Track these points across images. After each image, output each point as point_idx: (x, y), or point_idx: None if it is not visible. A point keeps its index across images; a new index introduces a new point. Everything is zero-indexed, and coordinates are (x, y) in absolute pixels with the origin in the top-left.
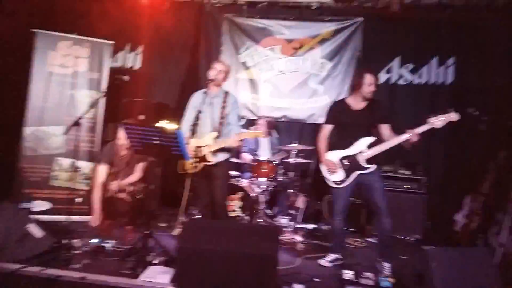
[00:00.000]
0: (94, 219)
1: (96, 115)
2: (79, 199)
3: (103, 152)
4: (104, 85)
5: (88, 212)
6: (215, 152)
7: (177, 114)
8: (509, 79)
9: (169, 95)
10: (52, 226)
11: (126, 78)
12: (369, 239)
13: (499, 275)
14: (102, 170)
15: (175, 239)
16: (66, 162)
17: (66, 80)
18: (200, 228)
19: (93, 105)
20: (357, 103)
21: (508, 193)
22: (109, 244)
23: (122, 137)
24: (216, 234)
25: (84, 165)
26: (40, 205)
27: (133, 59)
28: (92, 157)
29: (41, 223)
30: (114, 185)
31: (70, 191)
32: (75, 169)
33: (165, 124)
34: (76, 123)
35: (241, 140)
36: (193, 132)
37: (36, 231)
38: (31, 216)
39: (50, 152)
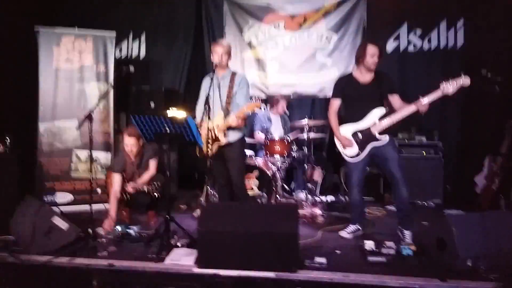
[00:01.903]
0: (108, 225)
1: (108, 106)
2: (99, 190)
3: (115, 160)
4: (111, 76)
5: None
6: (224, 132)
7: (187, 99)
8: None
9: (177, 80)
10: (76, 216)
11: (131, 69)
12: (389, 207)
13: None
14: (116, 178)
15: (196, 220)
16: (83, 153)
17: (74, 75)
18: (219, 210)
19: (103, 97)
20: (363, 76)
21: None
22: (132, 230)
23: (128, 143)
24: (234, 216)
25: (101, 156)
26: (62, 197)
27: (137, 47)
28: (108, 147)
29: (65, 215)
30: (129, 186)
31: (90, 181)
32: (92, 159)
33: (175, 112)
34: (88, 117)
35: (242, 117)
36: (205, 115)
37: (61, 223)
38: (55, 209)
39: (67, 146)
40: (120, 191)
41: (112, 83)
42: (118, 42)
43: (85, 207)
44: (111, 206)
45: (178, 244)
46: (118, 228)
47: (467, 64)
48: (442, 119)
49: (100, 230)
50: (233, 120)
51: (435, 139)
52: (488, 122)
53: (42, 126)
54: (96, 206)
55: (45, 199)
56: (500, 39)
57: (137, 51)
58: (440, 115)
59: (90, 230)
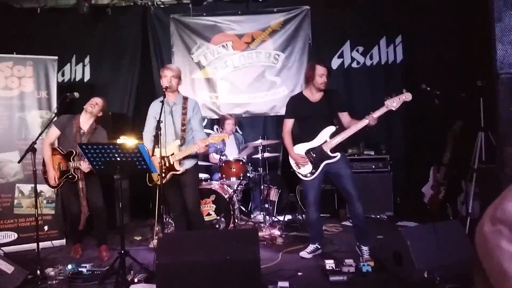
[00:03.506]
0: (50, 178)
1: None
2: (46, 227)
3: (58, 119)
4: (54, 103)
5: (57, 237)
6: (181, 160)
7: (135, 123)
8: (454, 51)
9: (125, 104)
10: (22, 256)
11: (76, 95)
12: (345, 223)
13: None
14: (52, 131)
15: (152, 252)
16: (26, 188)
17: (13, 102)
18: (176, 241)
19: (46, 126)
20: (313, 95)
21: (468, 161)
22: (85, 268)
23: (94, 100)
24: (193, 245)
25: (46, 189)
26: (5, 236)
27: (81, 71)
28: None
29: (9, 256)
30: (83, 163)
31: (36, 217)
32: (37, 194)
33: (125, 140)
34: (31, 149)
35: (206, 146)
36: (157, 142)
37: (5, 266)
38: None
39: (9, 180)
40: (61, 167)
41: (56, 111)
42: (60, 66)
43: (30, 246)
44: (46, 159)
45: (135, 279)
46: (69, 267)
47: (407, 78)
48: (388, 133)
49: (52, 271)
50: (197, 149)
51: (383, 153)
52: (431, 134)
53: None
54: (44, 244)
55: None
56: (436, 53)
57: (81, 75)
58: (385, 129)
59: (38, 271)
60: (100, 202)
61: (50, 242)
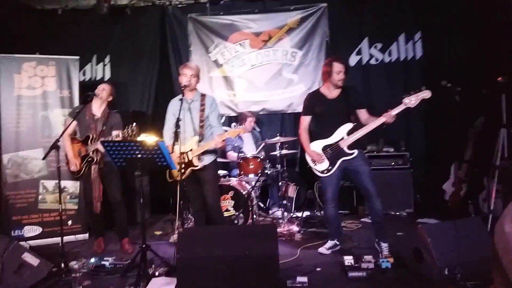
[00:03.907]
0: (72, 163)
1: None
2: (70, 222)
3: (71, 111)
4: (76, 101)
5: (80, 231)
6: (200, 156)
7: (155, 121)
8: (475, 47)
9: (144, 102)
10: (46, 250)
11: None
12: (364, 219)
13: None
14: (67, 122)
15: (172, 246)
16: (50, 184)
17: (37, 101)
18: (196, 235)
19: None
20: (330, 92)
21: (490, 158)
22: (107, 262)
23: (100, 86)
24: (213, 240)
25: (70, 185)
26: (30, 230)
27: (101, 70)
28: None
29: (35, 249)
30: (99, 144)
31: (59, 212)
32: (61, 189)
33: (146, 137)
34: (54, 146)
35: (223, 140)
36: (176, 139)
37: (31, 259)
38: (24, 244)
39: (33, 176)
40: (81, 153)
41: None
42: (81, 65)
43: (55, 240)
44: (67, 149)
45: (156, 273)
46: (92, 260)
47: (427, 74)
48: (408, 129)
49: (76, 264)
50: (214, 144)
51: (402, 150)
52: (451, 130)
53: (5, 157)
54: (67, 238)
55: (13, 234)
56: (456, 49)
57: (102, 74)
58: (405, 126)
59: (62, 264)
60: (119, 196)
61: (73, 236)
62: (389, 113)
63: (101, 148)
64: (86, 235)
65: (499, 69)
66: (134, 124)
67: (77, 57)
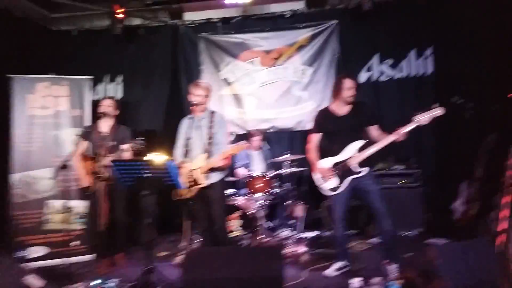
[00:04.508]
0: (84, 181)
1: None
2: (77, 242)
3: (81, 132)
4: (87, 121)
5: (86, 252)
6: (206, 173)
7: (165, 140)
8: (486, 63)
9: (155, 121)
10: (51, 271)
11: None
12: (372, 240)
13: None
14: (80, 144)
15: (178, 268)
16: (57, 204)
17: (48, 121)
18: (203, 257)
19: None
20: (340, 109)
21: (502, 176)
22: (112, 284)
23: (105, 104)
24: (219, 261)
25: (76, 204)
26: (36, 251)
27: (114, 89)
28: (84, 195)
29: (39, 270)
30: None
31: (66, 233)
32: (67, 209)
33: (154, 156)
34: (64, 166)
35: (226, 158)
36: (186, 157)
37: (35, 281)
38: (28, 265)
39: (40, 196)
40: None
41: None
42: (94, 84)
43: (61, 261)
44: (77, 166)
45: None
46: (97, 282)
47: (438, 90)
48: (418, 147)
49: (80, 286)
50: (217, 161)
51: (413, 167)
52: (462, 147)
53: (15, 177)
54: (75, 259)
55: (17, 255)
56: (468, 64)
57: (114, 93)
58: (415, 143)
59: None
60: (122, 215)
61: (80, 256)
62: (400, 131)
63: (108, 163)
64: (93, 256)
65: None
66: (142, 138)
67: (91, 77)
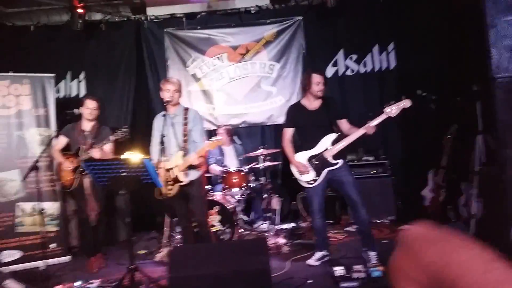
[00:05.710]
0: (64, 178)
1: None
2: (53, 245)
3: (64, 129)
4: (52, 120)
5: (63, 253)
6: (185, 171)
7: (133, 137)
8: (447, 57)
9: (121, 118)
10: (28, 274)
11: (76, 112)
12: (348, 229)
13: None
14: (61, 140)
15: (159, 265)
16: (28, 206)
17: (11, 121)
18: (186, 254)
19: (47, 144)
20: (311, 103)
21: (467, 163)
22: (93, 285)
23: (90, 106)
24: (203, 257)
25: (49, 206)
26: (10, 255)
27: (76, 87)
28: (56, 197)
29: (16, 274)
30: (95, 151)
31: (40, 235)
32: (40, 211)
33: (130, 155)
34: (34, 167)
35: (202, 156)
36: (162, 155)
37: (14, 285)
38: (5, 269)
39: (9, 199)
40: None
41: (56, 130)
42: (56, 82)
43: (36, 264)
44: (60, 159)
45: None
46: (78, 283)
47: (401, 84)
48: (385, 138)
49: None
50: (194, 159)
51: (381, 158)
52: (427, 138)
53: None
54: (50, 261)
55: None
56: (429, 59)
57: (77, 90)
58: (383, 135)
59: None
60: (102, 215)
61: (56, 259)
62: (370, 124)
63: (95, 154)
64: (69, 258)
65: (472, 77)
66: (126, 127)
67: (53, 75)
